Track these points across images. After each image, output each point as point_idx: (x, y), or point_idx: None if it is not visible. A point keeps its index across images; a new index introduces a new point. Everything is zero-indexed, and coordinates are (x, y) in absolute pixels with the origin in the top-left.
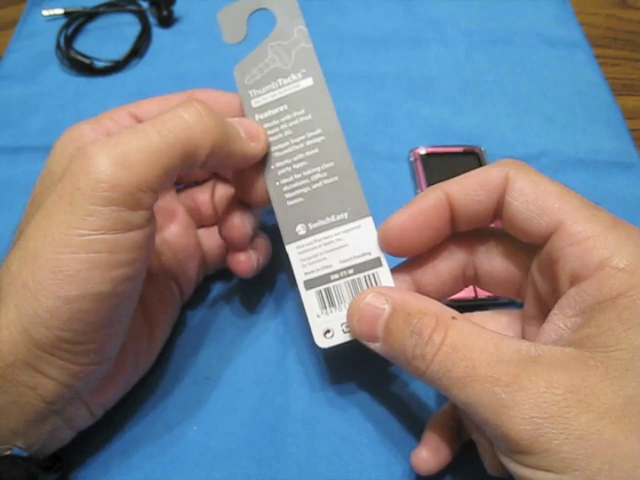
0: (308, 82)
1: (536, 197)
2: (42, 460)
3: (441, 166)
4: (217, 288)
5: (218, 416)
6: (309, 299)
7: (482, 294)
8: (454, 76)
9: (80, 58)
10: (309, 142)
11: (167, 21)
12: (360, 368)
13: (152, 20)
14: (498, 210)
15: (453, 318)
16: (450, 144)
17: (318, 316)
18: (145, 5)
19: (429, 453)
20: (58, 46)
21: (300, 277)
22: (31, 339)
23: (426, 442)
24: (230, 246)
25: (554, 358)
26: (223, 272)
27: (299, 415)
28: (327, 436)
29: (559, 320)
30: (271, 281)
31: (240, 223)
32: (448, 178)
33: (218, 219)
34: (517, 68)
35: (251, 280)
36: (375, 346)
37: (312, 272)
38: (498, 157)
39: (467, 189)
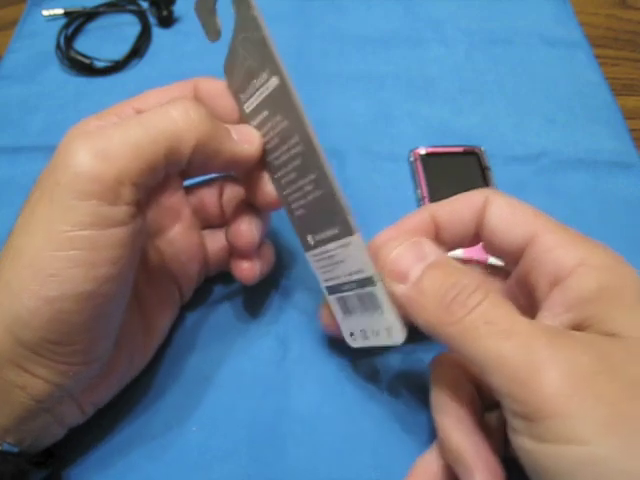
0: (274, 82)
1: (512, 213)
2: (33, 456)
3: (441, 166)
4: (217, 288)
5: (218, 416)
6: (333, 303)
7: None
8: (454, 76)
9: (80, 58)
10: (292, 151)
11: (167, 21)
12: (360, 368)
13: (152, 20)
14: (478, 229)
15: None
16: (450, 144)
17: (342, 319)
18: (145, 5)
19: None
20: (58, 46)
21: (322, 283)
22: (16, 339)
23: (412, 478)
24: (235, 252)
25: (579, 335)
26: (223, 272)
27: (299, 415)
28: (327, 436)
29: (549, 320)
30: (271, 281)
31: (248, 230)
32: (448, 178)
33: (225, 223)
34: (517, 68)
35: None
36: (398, 287)
37: (327, 280)
38: (498, 157)
39: (451, 209)
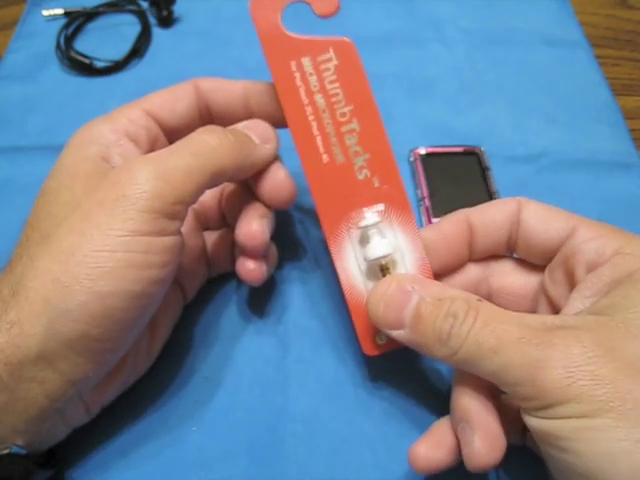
0: None
1: (548, 211)
2: (38, 456)
3: (441, 166)
4: (217, 288)
5: (217, 416)
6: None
7: None
8: (454, 76)
9: (80, 58)
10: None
11: (167, 21)
12: (360, 368)
13: (152, 20)
14: (512, 234)
15: (479, 300)
16: (450, 144)
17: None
18: (145, 5)
19: (428, 449)
20: (58, 46)
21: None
22: (55, 332)
23: (427, 437)
24: (244, 253)
25: (578, 323)
26: (225, 273)
27: (299, 415)
28: (327, 436)
29: (577, 301)
30: (271, 281)
31: (259, 230)
32: (448, 178)
33: (225, 225)
34: (517, 68)
35: None
36: (399, 333)
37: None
38: (498, 157)
39: (485, 212)
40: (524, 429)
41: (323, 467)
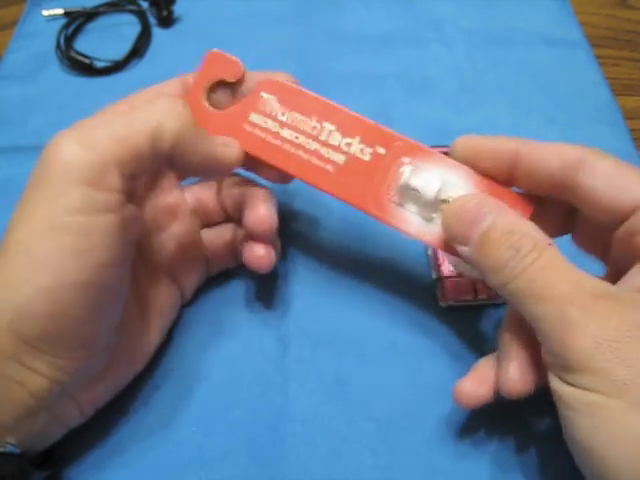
0: None
1: (618, 177)
2: (34, 457)
3: None
4: (217, 287)
5: (217, 416)
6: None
7: (482, 294)
8: (454, 76)
9: (80, 58)
10: None
11: (167, 21)
12: (360, 367)
13: (152, 20)
14: (563, 186)
15: (549, 244)
16: (450, 144)
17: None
18: (145, 5)
19: (472, 385)
20: (58, 46)
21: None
22: (15, 333)
23: (472, 374)
24: (253, 239)
25: (629, 299)
26: (224, 270)
27: (299, 415)
28: (327, 436)
29: (637, 276)
30: (272, 280)
31: (267, 214)
32: None
33: (226, 218)
34: (517, 68)
35: (251, 280)
36: (463, 250)
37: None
38: None
39: (541, 151)
40: None
41: (323, 467)
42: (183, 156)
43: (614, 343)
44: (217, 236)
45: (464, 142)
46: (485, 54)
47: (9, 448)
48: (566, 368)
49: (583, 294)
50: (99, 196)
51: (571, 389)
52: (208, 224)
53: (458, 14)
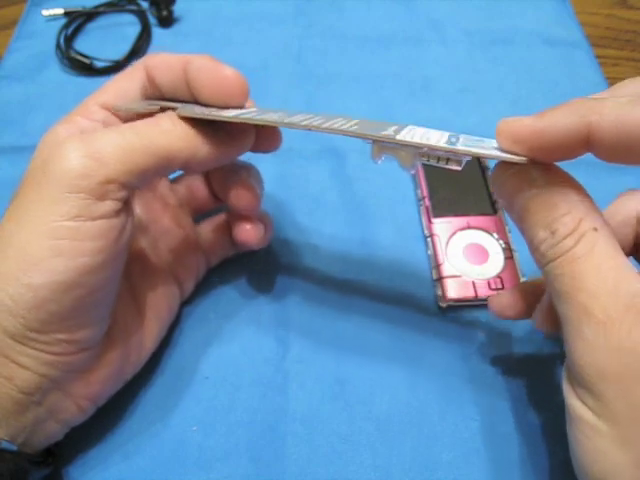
0: None
1: None
2: (33, 455)
3: None
4: (217, 286)
5: (217, 416)
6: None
7: (482, 294)
8: (454, 76)
9: (80, 58)
10: None
11: (167, 21)
12: (360, 367)
13: (152, 20)
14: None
15: (594, 229)
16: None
17: None
18: (145, 5)
19: (509, 299)
20: (58, 46)
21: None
22: (0, 328)
23: (509, 291)
24: (239, 213)
25: None
26: (224, 270)
27: (298, 415)
28: (327, 436)
29: None
30: (272, 280)
31: (248, 188)
32: (448, 178)
33: (218, 204)
34: (517, 68)
35: (251, 280)
36: (505, 205)
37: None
38: None
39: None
40: None
41: (323, 467)
42: (193, 168)
43: (617, 376)
44: (211, 224)
45: None
46: (485, 54)
47: (4, 444)
48: (574, 376)
49: (615, 303)
50: (97, 205)
51: (574, 398)
52: (202, 210)
53: (458, 14)
